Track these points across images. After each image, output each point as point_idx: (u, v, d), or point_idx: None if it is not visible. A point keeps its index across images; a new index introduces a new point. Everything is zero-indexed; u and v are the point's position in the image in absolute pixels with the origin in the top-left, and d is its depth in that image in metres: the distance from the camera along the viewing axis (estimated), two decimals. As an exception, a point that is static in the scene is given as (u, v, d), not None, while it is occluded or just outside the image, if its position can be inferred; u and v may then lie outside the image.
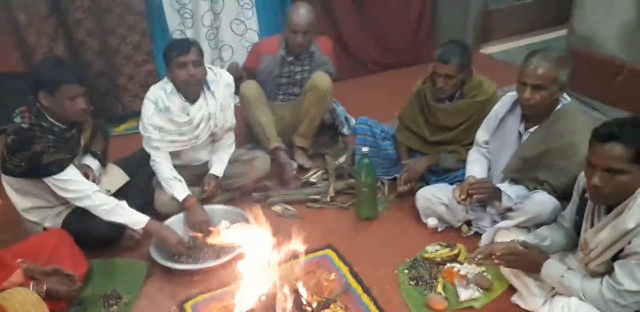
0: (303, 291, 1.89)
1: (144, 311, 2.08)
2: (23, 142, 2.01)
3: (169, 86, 2.34)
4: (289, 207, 2.63)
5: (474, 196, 2.09)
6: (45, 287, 1.82)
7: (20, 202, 2.19)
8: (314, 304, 1.89)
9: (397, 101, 2.85)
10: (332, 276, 2.14)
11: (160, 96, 2.33)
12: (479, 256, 1.81)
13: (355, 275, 2.15)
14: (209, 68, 2.42)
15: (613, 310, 1.51)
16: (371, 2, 3.90)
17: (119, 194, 2.40)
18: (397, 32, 4.07)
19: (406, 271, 2.15)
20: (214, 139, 2.57)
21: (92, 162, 2.36)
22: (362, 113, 2.90)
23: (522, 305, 1.89)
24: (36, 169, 2.04)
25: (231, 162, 2.63)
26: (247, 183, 2.67)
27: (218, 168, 2.58)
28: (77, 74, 2.10)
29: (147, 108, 2.35)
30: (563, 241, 1.84)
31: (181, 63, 2.26)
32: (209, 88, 2.41)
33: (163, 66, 2.37)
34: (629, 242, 1.45)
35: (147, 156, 2.45)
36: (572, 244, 1.83)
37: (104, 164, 2.44)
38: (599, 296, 1.52)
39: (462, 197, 2.10)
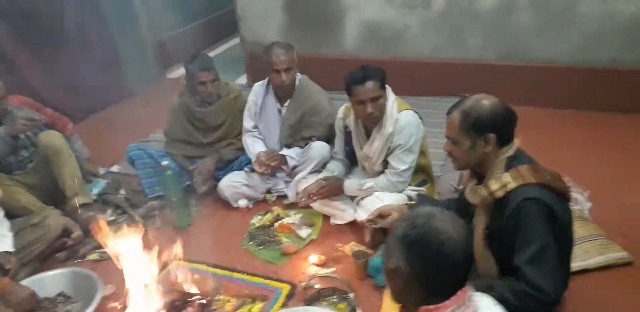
0: (193, 289, 2.14)
1: None
2: None
3: None
4: (103, 250, 2.63)
5: (270, 164, 2.65)
6: None
7: None
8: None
9: (128, 136, 3.12)
10: (196, 276, 2.32)
11: None
12: (303, 200, 2.42)
13: (215, 265, 2.43)
14: None
15: (400, 187, 2.34)
16: (51, 51, 3.88)
17: None
18: (87, 75, 4.12)
19: (250, 243, 2.57)
20: None
21: None
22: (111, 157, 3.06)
23: (341, 222, 2.57)
24: None
25: (16, 233, 2.45)
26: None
27: (5, 244, 2.38)
28: None
29: None
30: (343, 168, 2.62)
31: None
32: None
33: None
34: (392, 142, 2.27)
35: None
36: (349, 168, 2.60)
37: None
38: (388, 182, 2.33)
39: (263, 169, 2.64)
